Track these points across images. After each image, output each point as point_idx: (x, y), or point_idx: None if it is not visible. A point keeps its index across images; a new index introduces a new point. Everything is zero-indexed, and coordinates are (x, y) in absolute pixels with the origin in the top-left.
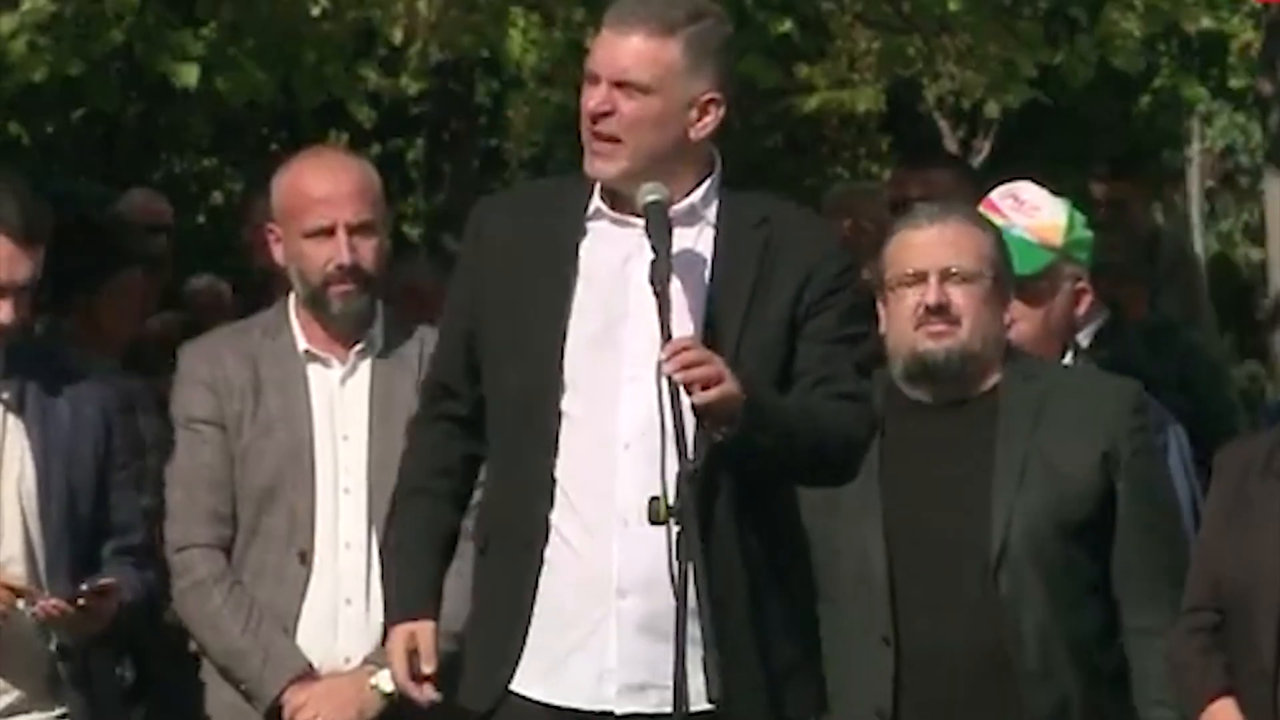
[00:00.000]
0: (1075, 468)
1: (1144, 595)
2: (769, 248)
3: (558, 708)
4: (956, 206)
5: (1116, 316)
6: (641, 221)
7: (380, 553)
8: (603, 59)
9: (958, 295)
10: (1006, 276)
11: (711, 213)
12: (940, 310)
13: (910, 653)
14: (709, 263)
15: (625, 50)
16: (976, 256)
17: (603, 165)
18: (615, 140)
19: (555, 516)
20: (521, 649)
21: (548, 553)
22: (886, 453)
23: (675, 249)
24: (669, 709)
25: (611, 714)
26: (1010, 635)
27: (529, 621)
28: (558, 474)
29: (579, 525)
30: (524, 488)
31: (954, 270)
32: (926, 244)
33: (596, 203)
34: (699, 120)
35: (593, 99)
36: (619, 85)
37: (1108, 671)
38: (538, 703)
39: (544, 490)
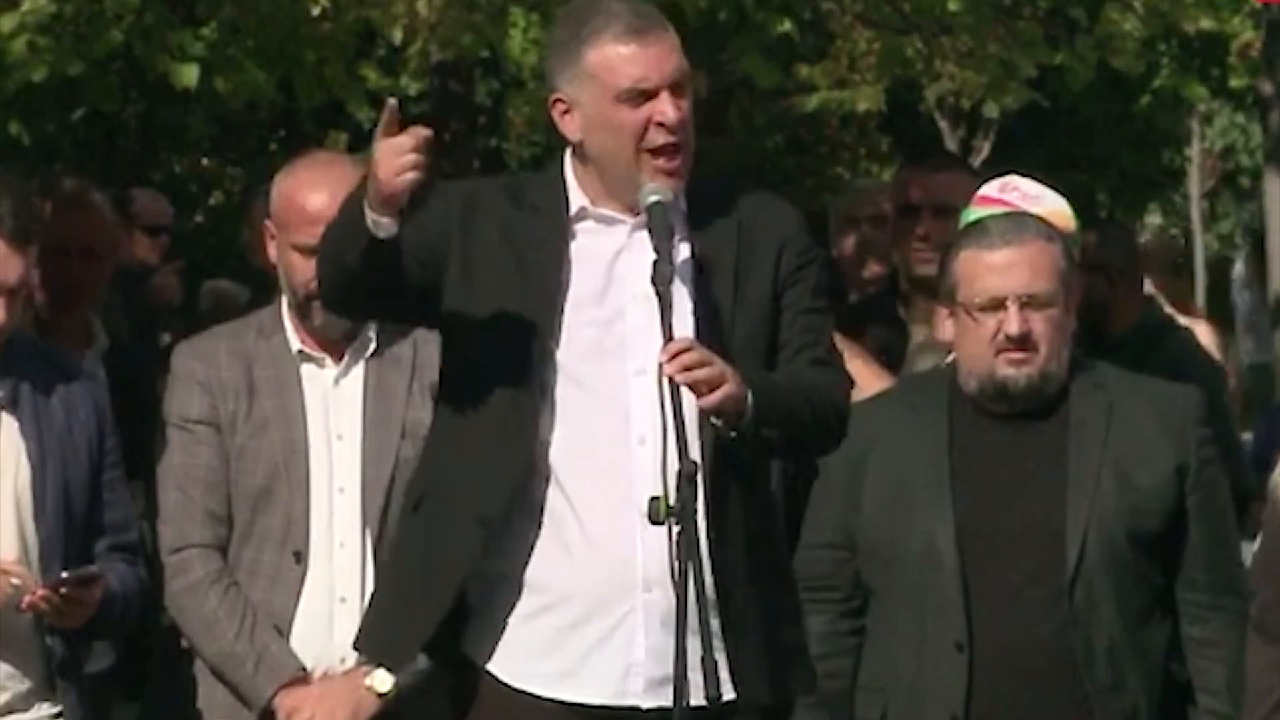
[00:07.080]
0: (1149, 479)
1: (1205, 606)
2: (742, 228)
3: (580, 705)
4: (1028, 222)
5: None
6: (627, 217)
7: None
8: (653, 70)
9: (1037, 322)
10: (1075, 281)
11: (682, 200)
12: (1021, 339)
13: (983, 659)
14: (691, 251)
15: (668, 54)
16: (1053, 277)
17: (676, 183)
18: (681, 149)
19: (550, 501)
20: (464, 613)
21: (547, 541)
22: (958, 458)
23: None
24: (695, 702)
25: (638, 709)
26: (1082, 645)
27: (460, 588)
28: (553, 458)
29: (594, 519)
30: (503, 462)
31: (1033, 297)
32: (1004, 268)
33: (581, 202)
34: None
35: (671, 110)
36: (676, 92)
37: (1179, 682)
38: (559, 702)
39: (534, 470)
